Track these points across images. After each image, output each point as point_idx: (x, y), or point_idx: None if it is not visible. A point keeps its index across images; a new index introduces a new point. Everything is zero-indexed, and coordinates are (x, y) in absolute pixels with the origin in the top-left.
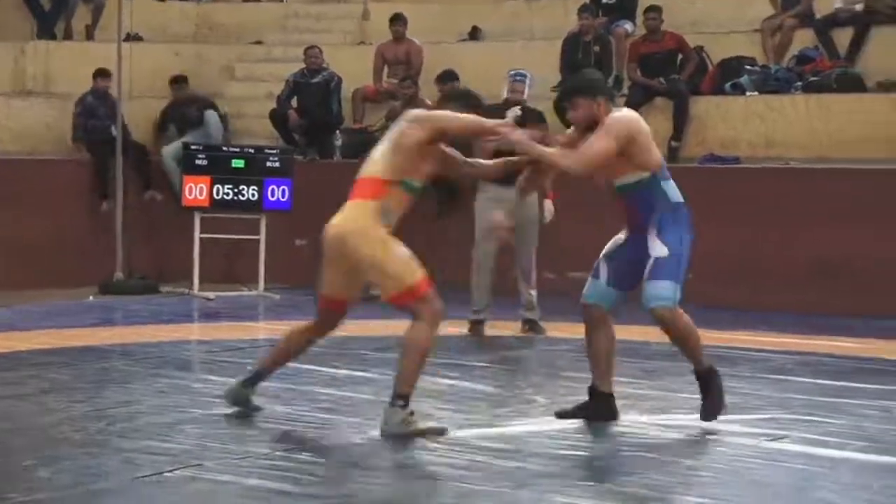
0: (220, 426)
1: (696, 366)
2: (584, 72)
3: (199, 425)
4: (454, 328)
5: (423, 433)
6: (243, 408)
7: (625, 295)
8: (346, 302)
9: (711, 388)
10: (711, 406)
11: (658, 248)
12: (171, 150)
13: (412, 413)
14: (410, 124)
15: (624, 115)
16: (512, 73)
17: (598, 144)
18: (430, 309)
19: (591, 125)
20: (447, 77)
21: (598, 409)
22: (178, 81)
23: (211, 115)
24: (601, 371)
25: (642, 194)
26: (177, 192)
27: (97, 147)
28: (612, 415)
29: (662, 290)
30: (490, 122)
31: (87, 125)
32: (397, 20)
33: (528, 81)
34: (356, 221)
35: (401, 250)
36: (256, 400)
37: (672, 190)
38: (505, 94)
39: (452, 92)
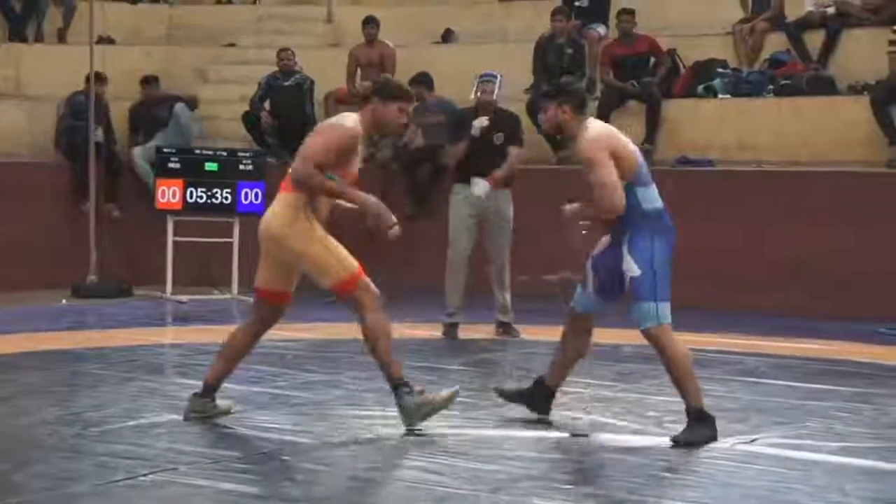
0: (194, 430)
1: (684, 401)
2: (562, 79)
3: (173, 429)
4: (428, 331)
5: (442, 406)
6: (211, 415)
7: (611, 304)
8: (284, 294)
9: (694, 424)
10: (685, 436)
11: (632, 267)
12: (142, 151)
13: (422, 391)
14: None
15: (592, 135)
16: (481, 74)
17: (604, 178)
18: (367, 295)
19: (556, 130)
20: (421, 79)
21: (535, 400)
22: (150, 81)
23: (181, 109)
24: (557, 371)
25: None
26: (151, 193)
27: (79, 148)
28: (545, 410)
29: (644, 311)
30: (344, 190)
31: (73, 125)
32: (369, 23)
33: (497, 82)
34: (286, 219)
35: (332, 243)
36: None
37: (647, 197)
38: (474, 96)
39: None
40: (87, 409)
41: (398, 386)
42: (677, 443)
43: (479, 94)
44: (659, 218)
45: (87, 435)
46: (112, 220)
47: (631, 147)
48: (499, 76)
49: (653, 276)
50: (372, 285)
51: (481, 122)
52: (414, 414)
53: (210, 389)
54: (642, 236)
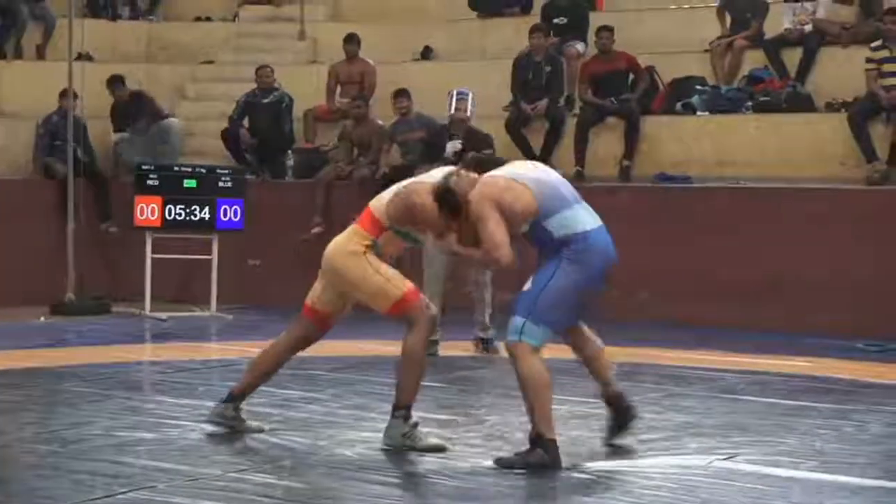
0: (173, 448)
1: (531, 423)
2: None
3: (152, 447)
4: None
5: (423, 450)
6: (234, 427)
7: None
8: (328, 316)
9: (532, 449)
10: (518, 457)
11: (527, 284)
12: (127, 146)
13: (416, 425)
14: (410, 191)
15: (480, 190)
16: (454, 91)
17: (490, 234)
18: (423, 315)
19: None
20: (402, 94)
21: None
22: (116, 81)
23: (173, 124)
24: (600, 378)
25: (533, 239)
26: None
27: (62, 168)
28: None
29: (512, 325)
30: (450, 236)
31: (53, 146)
32: (350, 40)
33: (469, 99)
34: (346, 247)
35: (386, 268)
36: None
37: (557, 226)
38: (449, 112)
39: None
40: (65, 427)
41: (398, 409)
42: (499, 462)
43: (453, 110)
44: (579, 242)
45: (64, 453)
46: (109, 236)
47: (518, 191)
48: (470, 93)
49: (537, 294)
50: (427, 307)
51: (454, 145)
52: (396, 441)
53: (234, 398)
54: (553, 260)
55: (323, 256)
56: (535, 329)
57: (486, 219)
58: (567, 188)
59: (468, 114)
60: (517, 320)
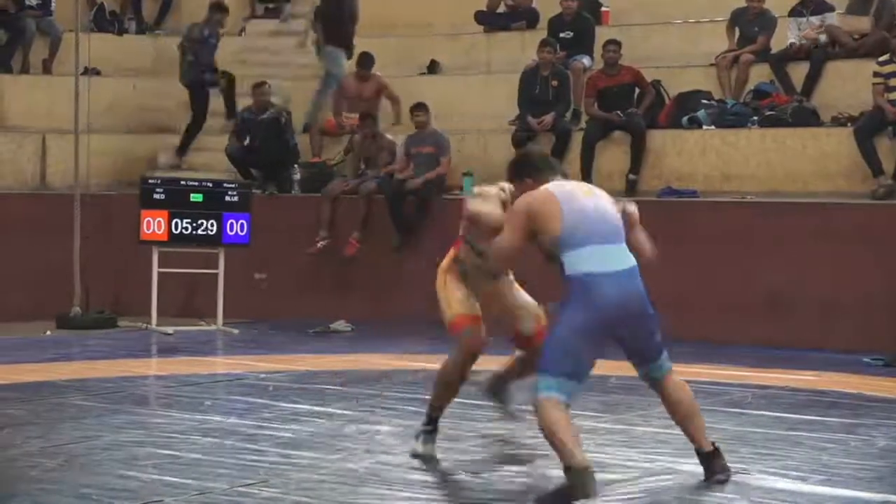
0: (179, 462)
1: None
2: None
3: (158, 461)
4: (421, 363)
5: (412, 453)
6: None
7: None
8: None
9: (565, 483)
10: (550, 497)
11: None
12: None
13: (429, 432)
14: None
15: (524, 198)
16: None
17: (501, 238)
18: (465, 341)
19: None
20: (420, 107)
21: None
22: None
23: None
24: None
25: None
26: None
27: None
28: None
29: (537, 381)
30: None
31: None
32: (363, 60)
33: None
34: (441, 265)
35: (454, 289)
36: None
37: (573, 262)
38: None
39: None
40: (70, 442)
41: (429, 422)
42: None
43: None
44: (584, 285)
45: (70, 467)
46: (115, 237)
47: (552, 211)
48: None
49: (557, 345)
50: (471, 335)
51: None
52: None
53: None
54: (567, 301)
55: None
56: (550, 381)
57: (507, 222)
58: (605, 223)
59: None
60: (539, 376)
